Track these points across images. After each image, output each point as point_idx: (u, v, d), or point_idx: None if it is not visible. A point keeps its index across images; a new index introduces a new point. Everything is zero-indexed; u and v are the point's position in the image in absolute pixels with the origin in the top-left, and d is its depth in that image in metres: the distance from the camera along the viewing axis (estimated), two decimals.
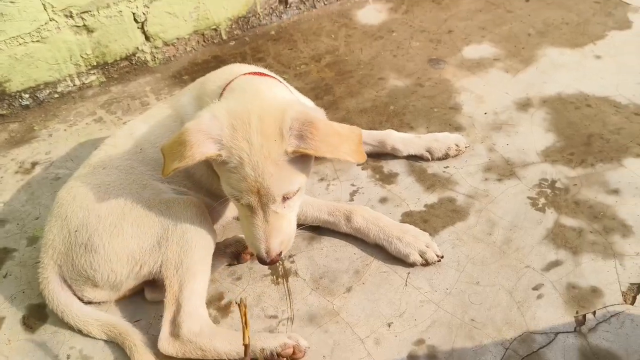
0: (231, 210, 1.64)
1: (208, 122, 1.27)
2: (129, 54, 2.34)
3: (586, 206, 1.59)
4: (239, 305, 1.17)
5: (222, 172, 1.31)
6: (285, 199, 1.31)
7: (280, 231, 1.33)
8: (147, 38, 2.35)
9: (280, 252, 1.34)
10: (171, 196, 1.46)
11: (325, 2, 2.73)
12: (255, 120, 1.26)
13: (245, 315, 1.17)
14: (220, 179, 1.34)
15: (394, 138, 1.81)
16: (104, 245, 1.37)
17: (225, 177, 1.30)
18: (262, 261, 1.34)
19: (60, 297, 1.42)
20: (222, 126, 1.26)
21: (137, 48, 2.35)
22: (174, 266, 1.37)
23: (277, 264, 1.53)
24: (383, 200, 1.69)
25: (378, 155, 1.83)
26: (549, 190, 1.65)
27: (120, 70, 2.35)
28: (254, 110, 1.28)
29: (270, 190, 1.26)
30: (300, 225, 1.48)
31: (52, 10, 2.08)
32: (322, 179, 1.78)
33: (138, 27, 2.30)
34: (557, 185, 1.66)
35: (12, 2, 1.99)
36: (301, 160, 1.29)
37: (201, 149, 1.25)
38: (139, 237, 1.38)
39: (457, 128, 1.91)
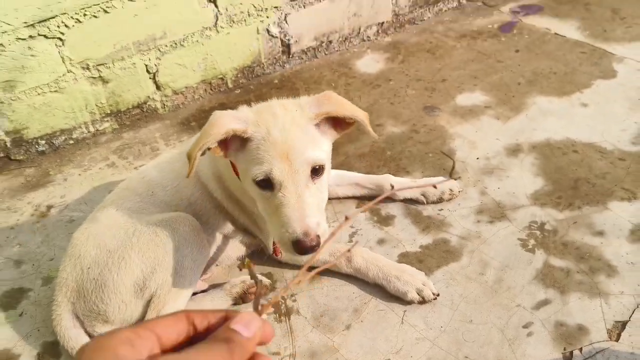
0: (236, 250, 1.73)
1: (233, 112, 1.41)
2: (140, 102, 2.48)
3: (573, 247, 1.67)
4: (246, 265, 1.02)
5: (246, 155, 1.35)
6: (313, 175, 1.33)
7: (315, 209, 1.30)
8: (157, 87, 2.49)
9: (319, 237, 1.26)
10: (168, 214, 1.55)
11: (326, 52, 2.89)
12: (276, 105, 1.42)
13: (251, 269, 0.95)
14: (242, 171, 1.40)
15: (391, 182, 1.92)
16: (113, 278, 1.45)
17: (250, 158, 1.33)
18: (300, 246, 1.25)
19: (71, 334, 1.49)
20: (246, 112, 1.41)
21: (148, 97, 2.49)
22: (167, 286, 1.46)
23: (280, 302, 1.61)
24: (381, 241, 1.78)
25: (376, 198, 1.92)
26: (538, 232, 1.74)
27: (132, 117, 2.49)
28: (274, 102, 1.45)
29: (300, 153, 1.30)
30: (300, 266, 1.57)
31: (70, 63, 2.23)
32: None
33: (150, 78, 2.45)
34: (546, 227, 1.75)
35: (33, 55, 2.13)
36: (323, 129, 1.41)
37: (227, 125, 1.32)
38: (144, 263, 1.46)
39: (451, 173, 2.01)
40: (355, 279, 1.64)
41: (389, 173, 1.96)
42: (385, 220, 1.85)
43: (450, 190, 1.90)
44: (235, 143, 1.39)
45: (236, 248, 1.73)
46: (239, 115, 1.37)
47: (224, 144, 1.39)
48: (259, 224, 1.66)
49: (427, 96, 2.47)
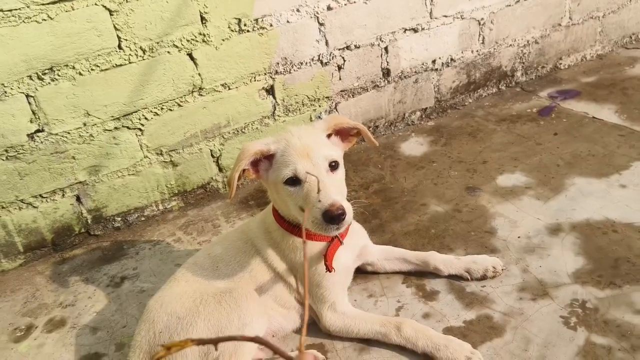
0: (291, 322, 1.86)
1: (258, 140, 1.74)
2: (204, 183, 2.74)
3: (615, 325, 1.72)
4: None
5: (274, 168, 1.67)
6: (330, 169, 1.63)
7: (337, 189, 1.58)
8: (220, 169, 2.76)
9: (344, 209, 1.51)
10: (231, 286, 1.74)
11: (373, 136, 3.11)
12: (291, 126, 1.73)
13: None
14: (273, 184, 1.70)
15: (436, 259, 2.04)
16: None
17: (277, 167, 1.65)
18: (329, 214, 1.50)
19: None
20: (268, 138, 1.72)
21: (212, 178, 2.75)
22: (229, 354, 1.59)
23: None
24: (426, 315, 1.88)
25: (421, 273, 2.05)
26: (580, 310, 1.80)
27: (196, 196, 2.74)
28: (289, 126, 1.78)
29: (318, 150, 1.62)
30: (352, 339, 1.68)
31: (147, 149, 2.53)
32: (370, 296, 2.00)
33: (213, 161, 2.72)
34: (588, 305, 1.81)
35: (116, 144, 2.45)
36: (333, 140, 1.75)
37: (254, 148, 1.66)
38: (208, 329, 1.61)
39: (493, 250, 2.12)
40: (404, 349, 1.73)
41: (434, 250, 2.08)
42: (430, 295, 1.96)
43: (494, 267, 1.99)
44: (264, 164, 1.72)
45: (291, 320, 1.87)
46: (263, 141, 1.71)
47: (255, 167, 1.71)
48: (309, 287, 1.81)
49: (469, 177, 2.62)
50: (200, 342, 0.69)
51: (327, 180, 1.60)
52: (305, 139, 1.65)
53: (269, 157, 1.70)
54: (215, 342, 0.69)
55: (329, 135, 1.76)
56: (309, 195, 1.58)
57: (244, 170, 1.68)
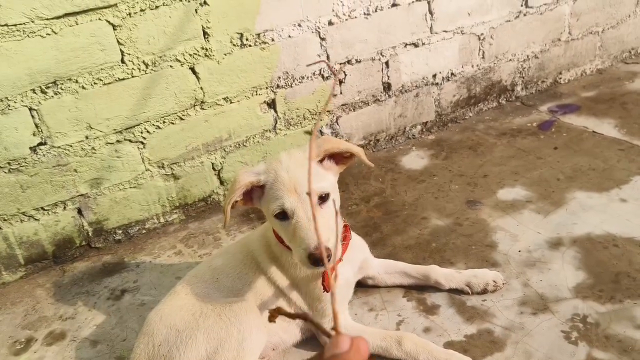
0: (291, 336, 1.86)
1: (251, 168, 1.71)
2: (205, 196, 2.75)
3: (616, 340, 1.72)
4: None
5: (265, 198, 1.65)
6: (320, 202, 1.61)
7: (325, 227, 1.56)
8: (221, 182, 2.77)
9: (329, 249, 1.49)
10: (231, 299, 1.73)
11: (374, 150, 3.13)
12: (283, 153, 1.69)
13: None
14: (266, 212, 1.68)
15: (436, 273, 2.04)
16: (180, 355, 1.60)
17: (268, 199, 1.64)
18: (313, 257, 1.49)
19: None
20: (260, 165, 1.70)
21: (213, 191, 2.76)
22: (232, 355, 1.59)
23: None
24: (427, 329, 1.87)
25: (422, 287, 2.04)
26: (581, 325, 1.80)
27: (197, 209, 2.75)
28: (281, 153, 1.71)
29: (305, 185, 1.58)
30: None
31: (149, 162, 2.54)
32: (371, 309, 1.99)
33: (215, 174, 2.73)
34: (589, 320, 1.81)
35: (118, 157, 2.46)
36: (327, 165, 1.71)
37: (245, 180, 1.64)
38: (208, 342, 1.62)
39: (494, 264, 2.12)
40: None
41: (434, 264, 2.08)
42: (431, 310, 1.95)
43: (494, 281, 1.99)
44: (257, 192, 1.70)
45: (292, 334, 1.87)
46: (254, 170, 1.69)
47: (249, 196, 1.70)
48: (309, 302, 1.81)
49: (470, 191, 2.62)
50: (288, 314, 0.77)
51: (315, 219, 1.59)
52: (293, 172, 1.61)
53: (261, 186, 1.69)
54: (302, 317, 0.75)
55: (322, 160, 1.72)
56: (295, 233, 1.57)
57: (236, 201, 1.69)
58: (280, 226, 1.64)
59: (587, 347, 1.71)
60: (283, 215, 1.61)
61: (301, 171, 1.63)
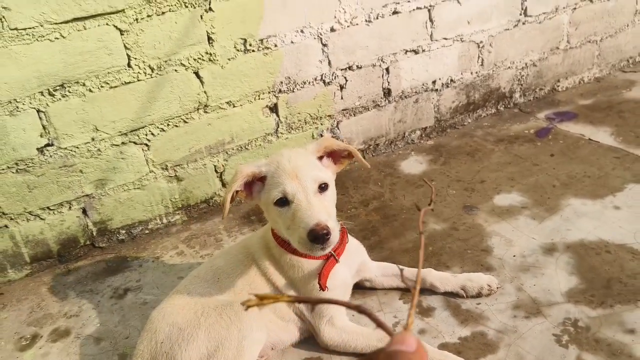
0: (290, 335, 1.91)
1: (252, 162, 1.79)
2: (207, 198, 2.80)
3: (605, 344, 1.76)
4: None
5: (266, 189, 1.72)
6: (319, 190, 1.67)
7: (324, 210, 1.62)
8: (223, 184, 2.82)
9: (329, 229, 1.54)
10: (232, 299, 1.78)
11: (373, 154, 3.18)
12: (283, 149, 1.79)
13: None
14: (265, 205, 1.75)
15: (432, 276, 2.08)
16: (182, 352, 1.65)
17: (268, 188, 1.70)
18: (314, 233, 1.54)
19: None
20: (261, 160, 1.77)
21: (215, 193, 2.81)
22: (232, 353, 1.64)
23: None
24: (422, 331, 1.92)
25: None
26: (572, 329, 1.85)
27: (199, 211, 2.80)
28: (282, 149, 1.85)
29: (306, 172, 1.66)
30: (350, 354, 1.73)
31: (152, 164, 2.59)
32: None
33: (217, 176, 2.79)
34: (580, 324, 1.86)
35: (123, 158, 2.51)
36: (325, 163, 1.80)
37: (246, 171, 1.71)
38: (209, 340, 1.66)
39: (488, 268, 2.17)
40: None
41: (431, 267, 2.13)
42: (426, 312, 2.00)
43: (489, 285, 2.04)
44: (257, 186, 1.77)
45: (290, 333, 1.91)
46: (256, 163, 1.77)
47: (249, 189, 1.77)
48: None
49: (467, 196, 2.67)
50: (296, 299, 0.71)
51: (314, 201, 1.65)
52: (295, 161, 1.70)
53: (261, 179, 1.77)
54: (313, 302, 0.71)
55: (321, 157, 1.81)
56: (295, 215, 1.63)
57: (237, 192, 1.75)
58: (279, 214, 1.69)
59: (577, 350, 1.76)
60: (283, 202, 1.67)
61: (302, 161, 1.72)
